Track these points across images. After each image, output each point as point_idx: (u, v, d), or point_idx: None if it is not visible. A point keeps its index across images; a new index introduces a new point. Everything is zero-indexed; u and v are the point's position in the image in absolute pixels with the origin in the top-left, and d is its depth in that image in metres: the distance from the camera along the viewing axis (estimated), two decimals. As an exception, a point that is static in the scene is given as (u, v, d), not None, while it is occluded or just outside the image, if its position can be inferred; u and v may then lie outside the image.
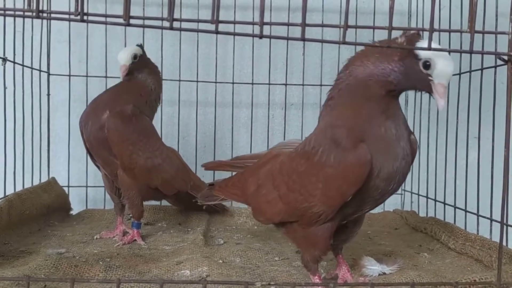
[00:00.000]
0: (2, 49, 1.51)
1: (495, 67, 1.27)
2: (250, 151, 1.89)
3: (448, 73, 0.87)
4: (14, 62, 1.53)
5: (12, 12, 0.77)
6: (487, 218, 1.33)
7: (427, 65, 0.87)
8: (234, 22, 0.81)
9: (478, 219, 1.39)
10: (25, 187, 1.54)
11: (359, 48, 0.99)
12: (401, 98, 1.83)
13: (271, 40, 1.84)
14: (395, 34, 0.79)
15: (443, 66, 0.86)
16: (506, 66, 0.81)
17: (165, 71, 1.82)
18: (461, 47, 1.38)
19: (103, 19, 0.73)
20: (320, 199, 0.93)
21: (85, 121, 1.41)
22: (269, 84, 1.89)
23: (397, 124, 0.93)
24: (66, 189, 1.74)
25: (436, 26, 0.98)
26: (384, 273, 1.10)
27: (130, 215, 1.49)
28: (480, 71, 1.36)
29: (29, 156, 1.66)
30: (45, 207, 1.53)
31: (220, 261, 1.21)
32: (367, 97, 0.92)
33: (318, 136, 0.96)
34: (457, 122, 1.47)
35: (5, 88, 1.49)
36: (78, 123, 1.44)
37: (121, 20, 0.71)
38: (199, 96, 1.88)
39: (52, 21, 1.82)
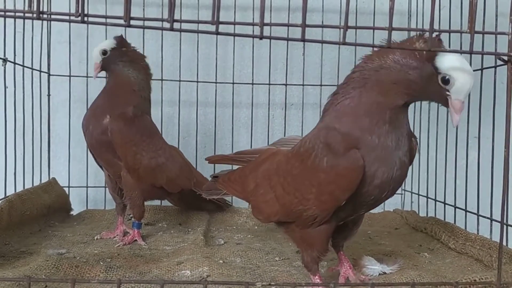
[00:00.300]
0: (3, 50, 1.51)
1: (495, 67, 1.27)
2: (250, 151, 1.89)
3: (467, 90, 0.85)
4: (14, 63, 1.53)
5: (12, 14, 0.77)
6: (487, 218, 1.33)
7: (446, 80, 0.84)
8: (234, 23, 0.81)
9: (478, 219, 1.39)
10: (25, 187, 1.54)
11: (359, 48, 0.99)
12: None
13: (271, 41, 1.84)
14: (395, 34, 0.79)
15: (462, 84, 0.84)
16: (506, 66, 0.81)
17: (165, 72, 1.83)
18: (461, 47, 1.39)
19: (103, 20, 0.73)
20: (314, 202, 0.93)
21: (86, 126, 1.41)
22: (269, 84, 1.89)
23: (400, 135, 0.91)
24: (66, 189, 1.74)
25: (436, 26, 0.98)
26: (385, 273, 1.10)
27: (131, 215, 1.49)
28: (480, 71, 1.36)
29: (30, 157, 1.66)
30: (45, 208, 1.53)
31: (221, 261, 1.21)
32: (379, 103, 0.89)
33: (313, 138, 0.95)
34: (457, 122, 1.47)
35: (5, 87, 1.49)
36: (81, 126, 1.44)
37: (121, 21, 0.71)
38: (199, 96, 1.88)
39: (52, 22, 1.82)
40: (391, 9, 0.73)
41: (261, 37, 0.73)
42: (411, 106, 1.79)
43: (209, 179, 1.34)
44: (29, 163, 1.64)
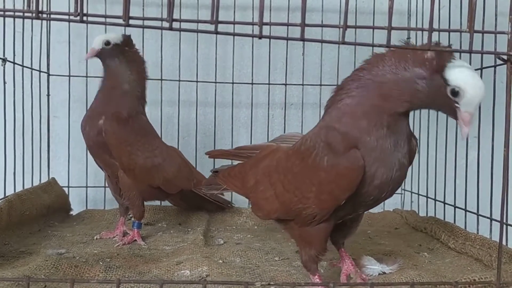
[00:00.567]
0: (2, 49, 1.51)
1: (495, 66, 1.27)
2: (250, 151, 1.89)
3: (477, 102, 0.83)
4: (14, 63, 1.53)
5: (11, 13, 0.77)
6: (487, 218, 1.33)
7: (455, 92, 0.82)
8: (234, 23, 0.81)
9: (478, 218, 1.39)
10: (25, 187, 1.54)
11: (359, 48, 0.99)
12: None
13: (270, 40, 1.84)
14: (394, 34, 0.78)
15: (472, 96, 0.82)
16: (505, 65, 0.81)
17: (165, 71, 1.83)
18: (460, 47, 1.38)
19: (102, 19, 0.73)
20: (313, 201, 0.93)
21: (84, 127, 1.42)
22: (269, 84, 1.89)
23: (399, 139, 0.90)
24: (66, 189, 1.74)
25: (436, 25, 0.98)
26: (384, 273, 1.10)
27: (131, 215, 1.49)
28: (479, 70, 1.36)
29: (29, 157, 1.66)
30: (45, 208, 1.53)
31: (220, 261, 1.21)
32: (379, 107, 0.88)
33: (314, 136, 0.95)
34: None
35: (4, 83, 1.47)
36: (80, 127, 1.44)
37: (120, 21, 0.71)
38: (199, 96, 1.88)
39: (51, 21, 1.82)
40: (390, 8, 0.73)
41: (260, 36, 0.72)
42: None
43: (211, 170, 1.33)
44: (28, 163, 1.64)
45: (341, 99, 0.92)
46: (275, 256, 1.27)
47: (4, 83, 1.48)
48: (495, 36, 1.25)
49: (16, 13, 0.76)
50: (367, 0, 1.91)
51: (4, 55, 1.48)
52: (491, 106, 1.28)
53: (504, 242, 1.06)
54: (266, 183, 1.04)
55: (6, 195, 1.41)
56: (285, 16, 1.84)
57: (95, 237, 1.41)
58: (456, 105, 0.83)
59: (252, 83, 1.88)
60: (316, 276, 1.01)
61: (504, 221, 0.86)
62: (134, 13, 0.74)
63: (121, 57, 1.40)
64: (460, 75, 0.82)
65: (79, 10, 0.69)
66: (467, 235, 1.29)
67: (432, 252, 1.32)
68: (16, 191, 1.47)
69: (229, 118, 1.90)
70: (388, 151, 0.89)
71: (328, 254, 1.03)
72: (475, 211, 1.40)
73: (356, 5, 1.86)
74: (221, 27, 0.72)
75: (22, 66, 1.58)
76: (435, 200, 1.64)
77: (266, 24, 0.74)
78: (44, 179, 1.72)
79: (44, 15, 0.73)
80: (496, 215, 1.03)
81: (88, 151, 1.49)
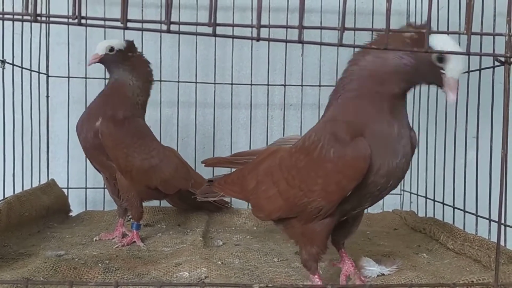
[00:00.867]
0: (1, 51, 1.51)
1: (493, 67, 1.28)
2: (249, 152, 1.89)
3: (461, 67, 0.88)
4: (13, 65, 1.53)
5: (10, 16, 0.77)
6: (486, 218, 1.33)
7: (441, 57, 0.87)
8: (232, 25, 0.81)
9: (476, 219, 1.39)
10: (24, 189, 1.54)
11: (358, 49, 0.99)
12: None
13: (269, 42, 1.83)
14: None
15: (457, 61, 0.87)
16: (503, 66, 0.82)
17: (164, 73, 1.83)
18: (459, 48, 1.38)
19: (100, 22, 0.73)
20: (319, 194, 0.93)
21: (80, 129, 1.42)
22: (268, 85, 1.89)
23: (401, 124, 0.93)
24: (65, 190, 1.74)
25: (434, 27, 0.99)
26: (383, 274, 1.10)
27: (130, 216, 1.49)
28: (478, 71, 1.36)
29: (28, 158, 1.66)
30: (44, 209, 1.53)
31: (219, 262, 1.21)
32: (378, 93, 0.92)
33: (318, 131, 0.96)
34: (456, 122, 1.48)
35: (3, 78, 1.46)
36: (75, 129, 1.44)
37: (118, 24, 0.71)
38: (198, 97, 1.89)
39: (51, 23, 1.82)
40: (388, 10, 0.73)
41: (258, 39, 0.72)
42: (410, 105, 1.81)
43: (206, 180, 1.34)
44: (28, 165, 1.64)
45: (340, 95, 0.96)
46: (274, 257, 1.27)
47: (3, 74, 1.46)
48: (494, 38, 1.25)
49: (15, 17, 0.76)
50: (366, 1, 1.91)
51: (3, 56, 1.48)
52: (490, 107, 1.28)
53: (502, 243, 1.06)
54: (269, 182, 1.04)
55: (5, 196, 1.41)
56: (284, 17, 1.84)
57: (94, 239, 1.41)
58: (442, 71, 0.88)
59: (251, 84, 1.88)
60: (316, 276, 1.01)
61: (502, 222, 0.86)
62: (133, 15, 0.74)
63: (125, 63, 1.41)
64: (443, 42, 0.85)
65: (77, 13, 0.69)
66: (466, 236, 1.29)
67: (431, 253, 1.32)
68: (15, 192, 1.47)
69: (228, 119, 1.90)
70: (393, 138, 0.92)
71: (327, 254, 1.03)
72: (474, 212, 1.40)
73: (355, 6, 1.87)
74: (219, 29, 0.72)
75: (21, 67, 1.58)
76: (434, 200, 1.64)
77: (264, 26, 0.74)
78: (43, 180, 1.72)
79: (43, 18, 0.73)
80: (495, 215, 1.03)
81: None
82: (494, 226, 1.11)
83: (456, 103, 1.49)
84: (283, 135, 1.90)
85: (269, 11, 1.79)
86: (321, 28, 0.81)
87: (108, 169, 1.42)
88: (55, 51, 1.86)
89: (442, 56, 0.87)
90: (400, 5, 1.92)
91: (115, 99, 1.40)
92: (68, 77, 1.82)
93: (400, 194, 1.89)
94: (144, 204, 1.47)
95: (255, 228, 1.62)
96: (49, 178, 1.75)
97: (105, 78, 1.78)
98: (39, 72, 1.75)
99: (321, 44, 0.78)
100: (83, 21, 0.71)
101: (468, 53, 0.79)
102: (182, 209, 1.72)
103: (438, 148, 1.63)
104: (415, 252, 1.32)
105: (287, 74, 1.89)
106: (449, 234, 1.35)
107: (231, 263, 1.21)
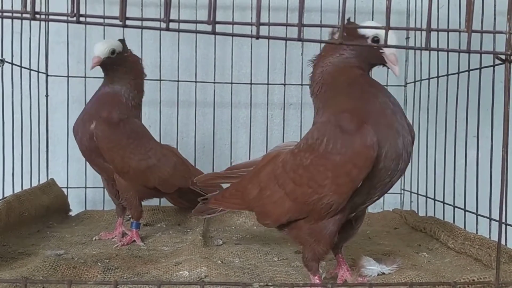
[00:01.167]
0: (0, 50, 1.50)
1: (494, 66, 1.27)
2: (249, 151, 1.89)
3: (393, 41, 0.92)
4: (12, 64, 1.53)
5: (9, 14, 0.76)
6: (486, 217, 1.33)
7: (375, 40, 0.95)
8: (232, 23, 0.80)
9: (477, 218, 1.39)
10: (23, 188, 1.54)
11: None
12: (400, 98, 1.83)
13: (269, 40, 1.84)
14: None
15: (390, 38, 0.88)
16: (504, 65, 0.81)
17: (164, 72, 1.82)
18: (459, 46, 1.38)
19: (99, 20, 0.72)
20: (330, 188, 0.92)
21: (76, 132, 1.41)
22: (268, 84, 1.89)
23: (386, 96, 0.98)
24: (65, 190, 1.74)
25: (434, 25, 0.98)
26: (383, 273, 1.09)
27: (129, 216, 1.49)
28: (478, 70, 1.36)
29: (28, 157, 1.66)
30: (44, 208, 1.53)
31: (219, 261, 1.21)
32: (352, 78, 0.98)
33: (321, 128, 0.96)
34: (456, 121, 1.47)
35: (2, 77, 1.46)
36: (72, 131, 1.44)
37: (117, 21, 0.70)
38: (197, 96, 1.88)
39: (50, 22, 1.82)
40: (388, 8, 0.73)
41: (258, 37, 0.72)
42: (410, 106, 1.81)
43: (199, 199, 1.33)
44: (27, 164, 1.64)
45: (327, 96, 1.00)
46: (274, 256, 1.26)
47: (3, 71, 1.46)
48: (494, 36, 1.25)
49: (14, 14, 0.76)
50: (366, 0, 1.91)
51: (2, 55, 1.47)
52: (490, 106, 1.28)
53: (503, 242, 1.06)
54: (273, 187, 1.03)
55: (5, 196, 1.41)
56: (284, 16, 1.84)
57: (94, 238, 1.41)
58: (381, 50, 0.96)
59: (251, 83, 1.88)
60: (316, 277, 1.01)
61: (503, 221, 0.86)
62: (133, 13, 0.74)
63: (123, 65, 1.40)
64: (370, 26, 0.94)
65: (75, 11, 0.69)
66: (467, 235, 1.28)
67: (431, 252, 1.31)
68: (15, 192, 1.47)
69: (228, 118, 1.90)
70: (390, 113, 0.94)
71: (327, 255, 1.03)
72: (474, 211, 1.40)
73: (355, 4, 1.86)
74: (219, 28, 0.72)
75: (21, 67, 1.58)
76: (434, 200, 1.64)
77: (264, 24, 0.74)
78: (43, 180, 1.72)
79: (43, 16, 0.72)
80: (495, 214, 1.02)
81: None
82: (495, 225, 1.11)
83: (457, 102, 1.49)
84: (283, 135, 1.90)
85: (269, 10, 1.79)
86: (321, 26, 0.81)
87: (106, 171, 1.42)
88: (54, 50, 1.85)
89: (376, 38, 0.95)
90: (400, 3, 1.92)
91: (109, 101, 1.40)
92: (68, 76, 1.82)
93: (401, 194, 1.88)
94: (143, 203, 1.47)
95: (255, 227, 1.62)
96: (49, 178, 1.75)
97: (104, 78, 1.78)
98: (38, 71, 1.75)
99: (321, 42, 0.78)
100: (82, 19, 0.71)
101: (468, 51, 0.79)
102: (182, 208, 1.71)
103: (438, 147, 1.63)
104: (415, 251, 1.32)
105: (287, 73, 1.89)
106: (450, 233, 1.35)
107: (231, 262, 1.21)
